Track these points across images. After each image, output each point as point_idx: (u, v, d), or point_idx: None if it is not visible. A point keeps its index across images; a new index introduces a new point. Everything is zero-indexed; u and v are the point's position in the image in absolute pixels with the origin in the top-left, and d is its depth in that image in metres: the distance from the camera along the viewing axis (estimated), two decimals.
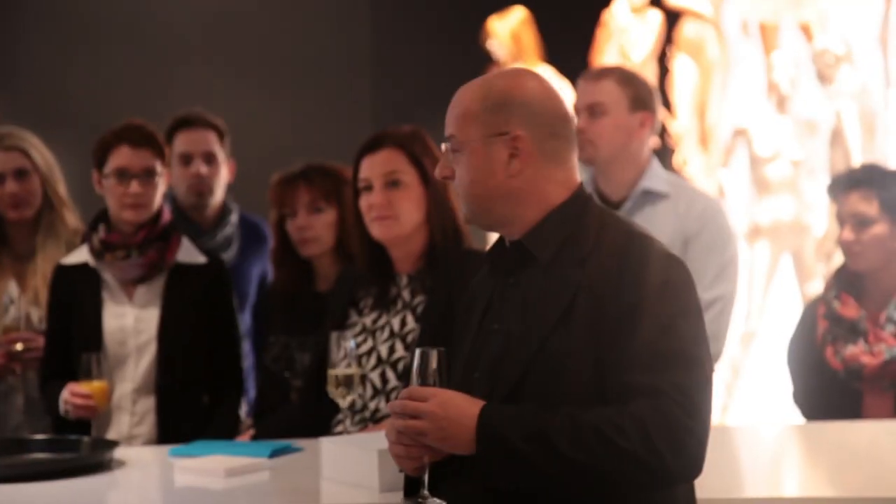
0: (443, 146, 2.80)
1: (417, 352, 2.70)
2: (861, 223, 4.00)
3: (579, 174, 2.84)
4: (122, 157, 4.16)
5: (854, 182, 4.06)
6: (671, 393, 2.51)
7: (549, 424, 2.51)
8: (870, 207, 4.00)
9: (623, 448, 2.46)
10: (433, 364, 2.66)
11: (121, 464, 3.61)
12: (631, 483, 2.53)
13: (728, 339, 4.50)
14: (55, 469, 3.53)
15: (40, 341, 4.29)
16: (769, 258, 7.63)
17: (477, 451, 2.54)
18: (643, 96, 4.47)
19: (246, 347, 4.58)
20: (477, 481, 2.63)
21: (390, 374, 3.71)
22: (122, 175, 4.14)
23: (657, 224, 4.19)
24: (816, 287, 6.62)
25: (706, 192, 4.76)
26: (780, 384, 4.42)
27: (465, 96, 2.79)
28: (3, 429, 4.42)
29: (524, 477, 2.55)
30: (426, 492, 2.78)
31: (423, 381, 2.66)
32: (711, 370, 2.68)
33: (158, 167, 4.20)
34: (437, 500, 2.79)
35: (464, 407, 2.57)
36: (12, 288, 4.45)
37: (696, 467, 2.55)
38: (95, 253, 4.19)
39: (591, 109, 4.30)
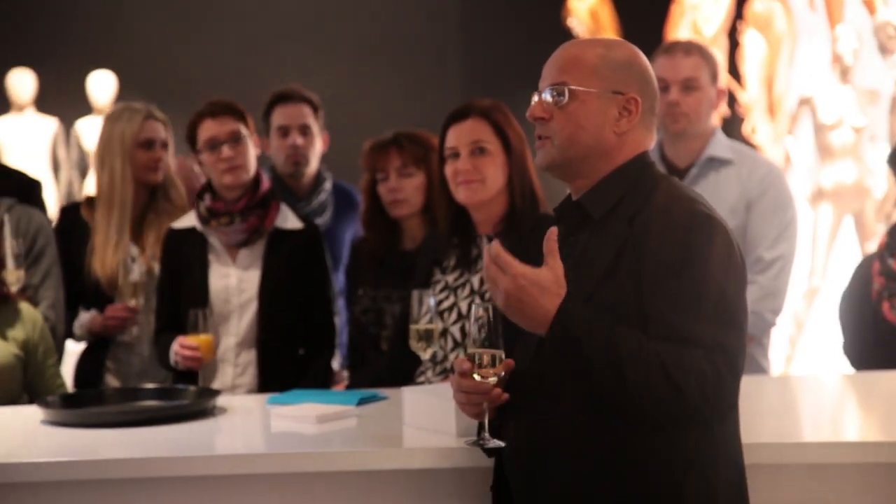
0: (542, 92, 2.76)
1: (476, 305, 2.76)
2: None
3: None
4: (207, 129, 4.25)
5: None
6: (719, 351, 2.53)
7: (620, 337, 2.53)
8: None
9: (675, 382, 2.49)
10: (488, 316, 2.71)
11: (223, 410, 3.67)
12: (665, 415, 2.56)
13: (789, 296, 4.49)
14: (164, 415, 3.59)
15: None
16: (832, 220, 7.55)
17: (549, 332, 2.56)
18: (718, 71, 4.49)
19: (339, 305, 4.62)
20: (538, 365, 2.67)
21: (469, 328, 3.71)
22: (213, 145, 4.22)
23: (722, 189, 4.22)
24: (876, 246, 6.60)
25: (767, 158, 4.74)
26: (837, 338, 4.40)
27: (584, 50, 2.79)
28: (127, 376, 4.51)
29: (579, 366, 2.57)
30: (486, 434, 2.85)
31: (479, 330, 2.71)
32: (746, 323, 2.67)
33: (243, 130, 4.26)
34: (497, 441, 2.85)
35: (545, 291, 2.57)
36: (133, 249, 4.53)
37: (723, 411, 2.61)
38: (202, 219, 4.27)
39: (684, 84, 4.31)
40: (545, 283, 2.57)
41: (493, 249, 2.59)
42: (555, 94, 2.74)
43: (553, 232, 2.60)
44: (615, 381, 2.52)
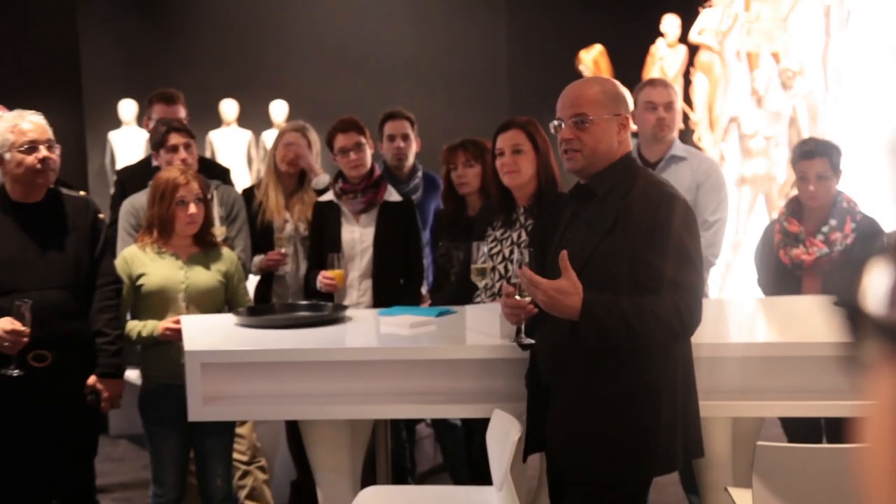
0: (566, 121, 2.75)
1: (517, 251, 2.79)
2: (821, 178, 3.96)
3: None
4: (339, 140, 4.23)
5: (817, 152, 4.00)
6: (687, 289, 2.58)
7: (625, 308, 2.55)
8: (826, 169, 3.95)
9: (666, 322, 2.55)
10: (527, 258, 2.73)
11: (350, 319, 3.69)
12: (663, 340, 2.61)
13: (723, 247, 4.49)
14: (312, 321, 3.62)
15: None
16: (750, 197, 7.50)
17: (580, 319, 2.56)
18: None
19: (426, 251, 4.65)
20: (568, 333, 2.64)
21: (511, 267, 3.73)
22: (343, 151, 4.21)
23: (679, 176, 4.18)
24: (777, 214, 6.64)
25: (709, 156, 4.70)
26: (752, 275, 4.40)
27: (589, 89, 2.79)
28: (284, 296, 4.49)
29: (606, 334, 2.58)
30: (522, 335, 2.87)
31: (521, 265, 2.69)
32: (702, 266, 2.70)
33: (362, 139, 4.23)
34: (529, 339, 2.86)
35: (573, 297, 2.56)
36: (285, 214, 4.52)
37: (695, 329, 2.64)
38: (336, 195, 4.26)
39: (667, 106, 4.25)
40: (566, 289, 2.57)
41: (525, 274, 2.63)
42: (579, 121, 2.73)
43: (564, 255, 2.59)
44: (627, 332, 2.56)
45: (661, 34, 8.39)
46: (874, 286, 0.33)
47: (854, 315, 0.36)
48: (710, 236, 4.21)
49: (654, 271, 2.58)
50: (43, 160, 3.48)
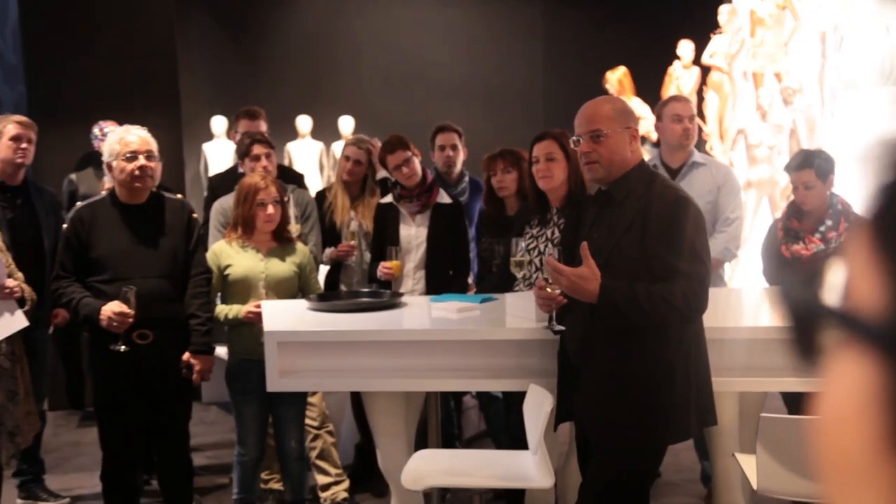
0: (584, 136, 2.72)
1: (549, 248, 2.76)
2: (808, 187, 3.88)
3: (647, 153, 2.82)
4: (390, 161, 4.16)
5: (803, 164, 3.93)
6: (693, 278, 2.54)
7: (637, 292, 2.54)
8: (811, 178, 3.87)
9: (673, 305, 2.52)
10: (556, 254, 2.72)
11: (406, 304, 3.70)
12: (669, 320, 2.58)
13: (741, 239, 4.47)
14: (374, 306, 3.63)
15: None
16: (755, 199, 7.38)
17: (598, 302, 2.56)
18: None
19: (472, 246, 4.63)
20: (589, 316, 2.64)
21: (545, 261, 3.70)
22: (396, 167, 4.15)
23: (700, 180, 4.13)
24: (780, 214, 6.53)
25: (724, 163, 4.64)
26: (758, 267, 4.32)
27: (601, 107, 2.76)
28: (350, 284, 4.49)
29: (620, 315, 2.57)
30: (554, 322, 2.86)
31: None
32: (709, 260, 2.66)
33: (409, 154, 4.16)
34: (559, 325, 2.84)
35: (592, 283, 2.56)
36: (352, 213, 4.51)
37: (700, 313, 2.61)
38: (395, 198, 4.24)
39: (691, 118, 4.20)
40: (586, 275, 2.57)
41: (549, 263, 2.63)
42: (595, 136, 2.71)
43: (584, 246, 2.58)
44: (638, 313, 2.54)
45: (677, 57, 8.31)
46: (832, 282, 0.34)
47: (807, 308, 0.36)
48: (732, 231, 4.18)
49: (666, 263, 2.56)
50: (141, 168, 3.51)
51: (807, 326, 0.38)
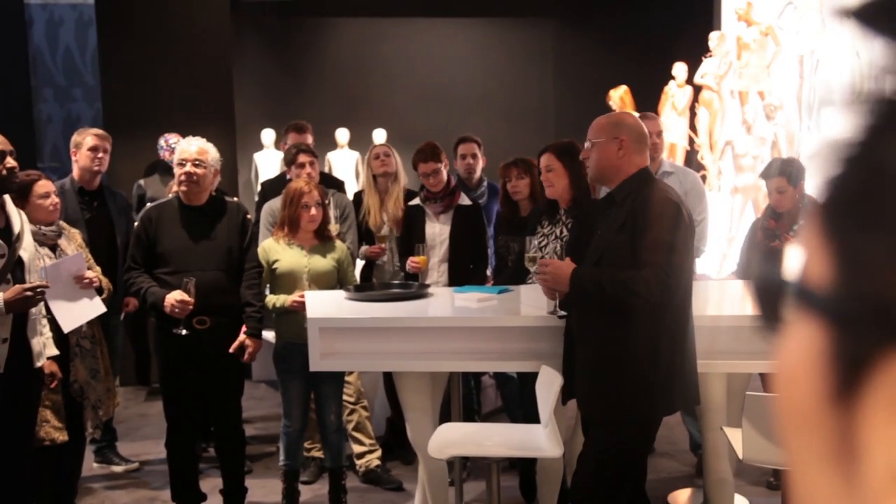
0: (587, 144, 2.78)
1: (557, 246, 2.76)
2: (779, 192, 3.83)
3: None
4: (421, 168, 4.15)
5: (772, 173, 3.89)
6: (662, 267, 2.52)
7: (604, 279, 2.57)
8: (783, 184, 3.82)
9: (636, 292, 2.53)
10: (561, 252, 2.72)
11: (431, 294, 3.69)
12: (630, 303, 2.57)
13: (711, 238, 4.39)
14: (403, 296, 3.62)
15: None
16: (741, 203, 7.28)
17: (570, 288, 2.62)
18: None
19: (490, 243, 4.60)
20: (569, 300, 2.70)
21: (555, 257, 3.68)
22: (424, 175, 4.15)
23: (670, 185, 4.11)
24: (760, 215, 6.47)
25: (691, 170, 4.55)
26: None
27: (598, 121, 2.80)
28: (382, 277, 4.43)
29: (590, 299, 2.61)
30: (558, 308, 2.85)
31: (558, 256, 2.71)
32: (688, 256, 2.64)
33: (438, 165, 4.13)
34: (562, 311, 2.83)
35: (565, 270, 2.63)
36: (382, 215, 4.44)
37: (664, 299, 2.56)
38: (422, 200, 4.23)
39: (658, 134, 4.14)
40: (562, 265, 2.67)
41: (541, 262, 2.76)
42: (589, 144, 2.76)
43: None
44: (601, 296, 2.58)
45: (672, 77, 8.23)
46: (791, 262, 0.37)
47: (770, 284, 0.39)
48: (698, 232, 4.14)
49: (640, 255, 2.56)
50: (186, 174, 3.54)
51: (770, 299, 0.39)
